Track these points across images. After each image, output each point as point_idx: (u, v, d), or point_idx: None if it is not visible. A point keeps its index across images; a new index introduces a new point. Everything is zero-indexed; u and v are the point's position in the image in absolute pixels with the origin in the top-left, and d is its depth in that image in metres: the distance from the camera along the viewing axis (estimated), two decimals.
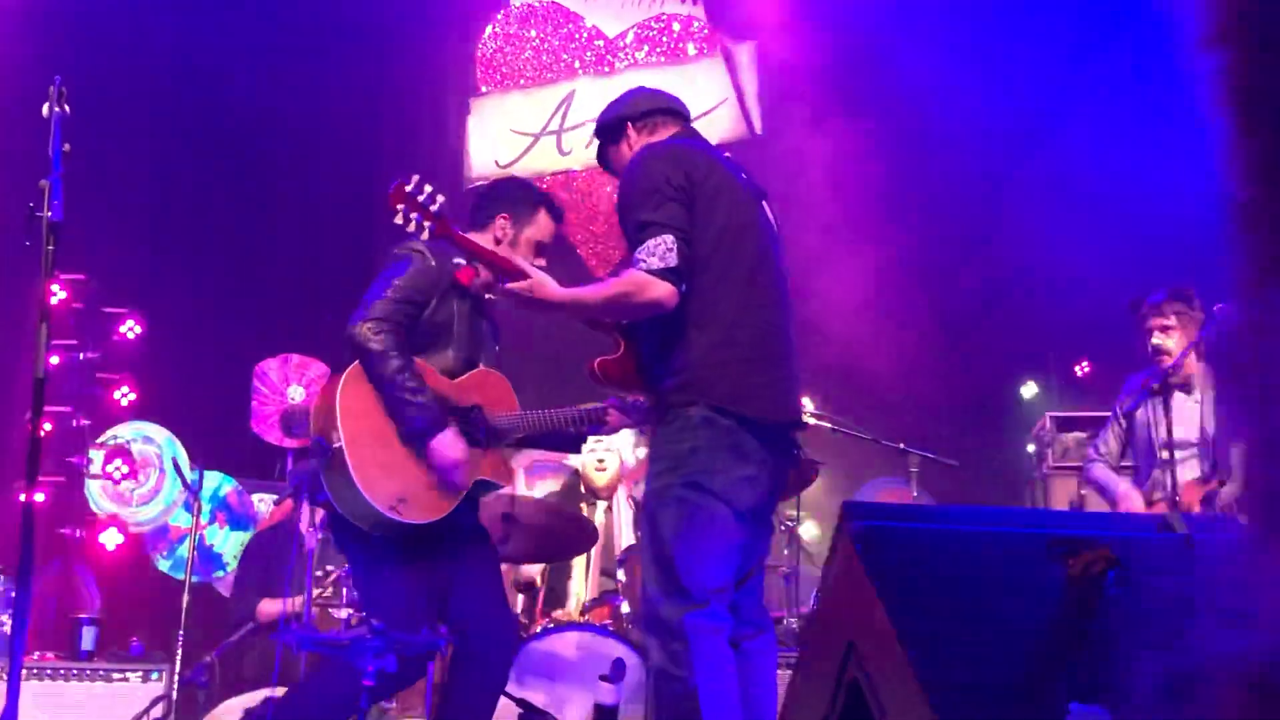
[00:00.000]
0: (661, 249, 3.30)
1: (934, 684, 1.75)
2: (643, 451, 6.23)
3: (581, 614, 5.50)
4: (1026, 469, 7.66)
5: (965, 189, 8.00)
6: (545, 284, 3.47)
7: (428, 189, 3.55)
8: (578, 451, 5.04)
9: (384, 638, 3.21)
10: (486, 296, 4.12)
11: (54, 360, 7.09)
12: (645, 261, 3.30)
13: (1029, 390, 8.69)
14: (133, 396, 7.84)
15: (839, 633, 2.10)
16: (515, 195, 4.25)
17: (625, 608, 5.34)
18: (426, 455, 3.84)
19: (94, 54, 7.54)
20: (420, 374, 3.88)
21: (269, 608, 5.69)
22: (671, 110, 3.77)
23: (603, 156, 3.85)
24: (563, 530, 5.23)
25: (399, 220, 3.54)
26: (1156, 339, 5.42)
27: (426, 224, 3.54)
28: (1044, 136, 8.30)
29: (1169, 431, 5.22)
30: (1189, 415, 5.42)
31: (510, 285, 3.45)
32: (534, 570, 5.79)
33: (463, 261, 4.00)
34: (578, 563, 5.80)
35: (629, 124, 3.71)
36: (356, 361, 3.87)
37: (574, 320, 3.67)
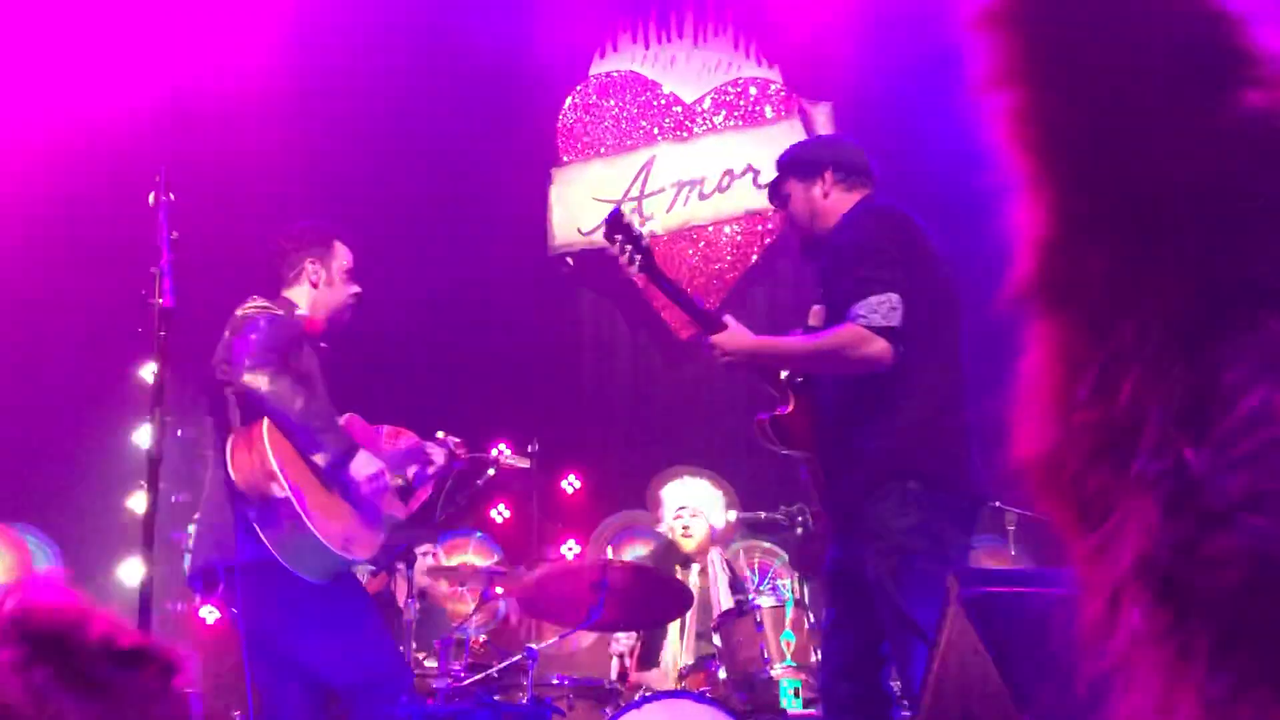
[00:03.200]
0: (885, 307, 3.26)
1: None
2: (733, 515, 6.22)
3: (679, 680, 5.48)
4: None
5: None
6: (742, 333, 3.48)
7: (638, 222, 3.69)
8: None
9: (492, 708, 3.23)
10: (320, 346, 4.18)
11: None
12: (866, 317, 3.26)
13: None
14: None
15: (954, 703, 2.08)
16: (309, 238, 4.30)
17: (723, 673, 5.31)
18: (346, 481, 3.82)
19: (194, 138, 7.78)
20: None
21: None
22: (869, 172, 3.73)
23: (779, 190, 3.77)
24: (656, 595, 5.24)
25: (614, 249, 3.63)
26: None
27: (637, 257, 3.61)
28: None
29: None
30: None
31: (713, 338, 3.47)
32: (624, 646, 5.79)
33: (304, 313, 4.09)
34: (672, 626, 5.80)
35: (830, 170, 3.66)
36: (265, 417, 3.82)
37: (745, 371, 3.64)
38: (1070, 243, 0.87)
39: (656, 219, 9.04)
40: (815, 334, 3.46)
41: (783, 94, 9.16)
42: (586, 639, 6.29)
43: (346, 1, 8.68)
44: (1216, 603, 0.75)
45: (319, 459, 3.78)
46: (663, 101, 9.24)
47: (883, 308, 3.26)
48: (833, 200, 3.64)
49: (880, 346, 3.25)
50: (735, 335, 3.46)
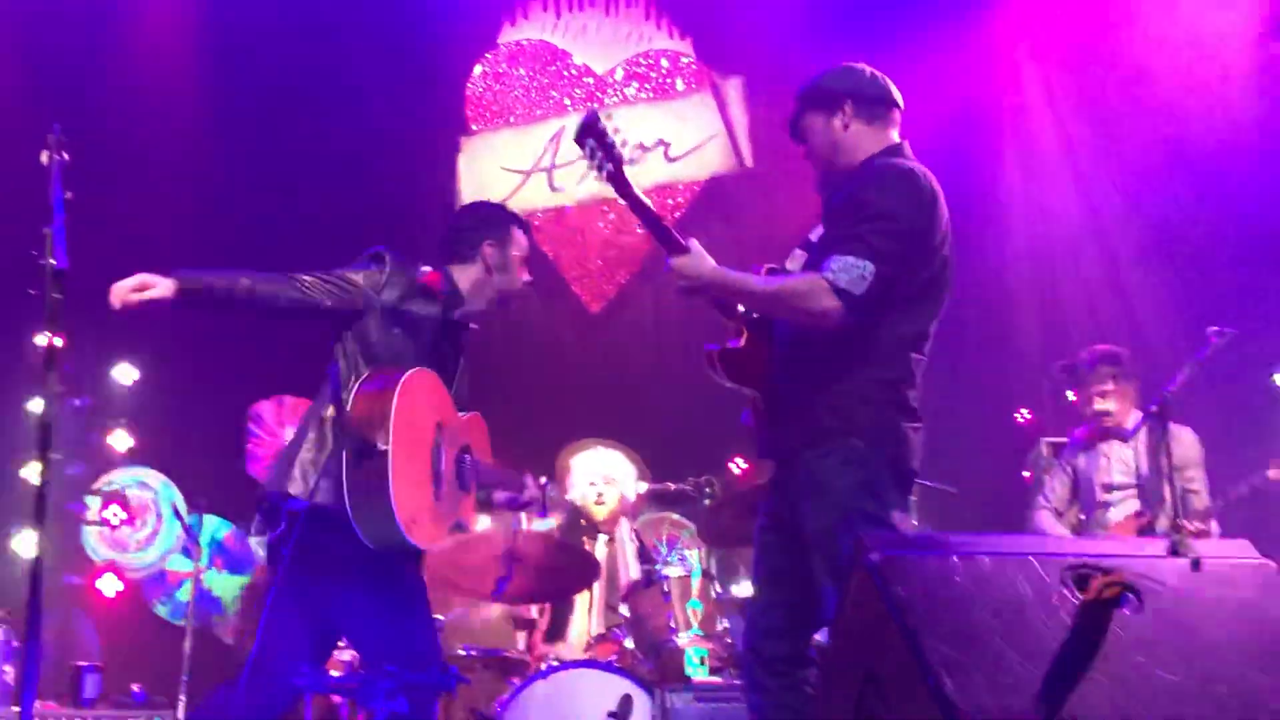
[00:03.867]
0: (857, 273, 3.19)
1: (955, 710, 1.76)
2: (643, 486, 6.22)
3: (586, 650, 5.48)
4: (1025, 495, 7.67)
5: (958, 221, 8.03)
6: (706, 260, 3.37)
7: (615, 131, 3.51)
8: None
9: (394, 678, 3.19)
10: (457, 314, 4.10)
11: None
12: (835, 274, 3.20)
13: (1023, 416, 8.71)
14: (129, 442, 7.82)
15: (856, 664, 2.10)
16: (492, 220, 4.23)
17: (630, 643, 5.32)
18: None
19: (92, 99, 7.57)
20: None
21: None
22: (893, 102, 3.57)
23: (798, 125, 3.62)
24: (565, 566, 5.22)
25: (584, 153, 3.42)
26: (1099, 405, 5.91)
27: (608, 165, 3.45)
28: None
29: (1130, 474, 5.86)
30: (1125, 459, 5.89)
31: (674, 261, 3.39)
32: (532, 607, 5.77)
33: (429, 268, 4.00)
34: (580, 598, 5.79)
35: (850, 102, 3.51)
36: (414, 371, 3.76)
37: (709, 302, 3.53)
38: None
39: (568, 190, 9.00)
40: (781, 275, 3.41)
41: (694, 67, 9.15)
42: (494, 611, 6.26)
43: None
44: None
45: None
46: (574, 72, 9.18)
47: (853, 271, 3.19)
48: (854, 133, 3.51)
49: (831, 305, 3.19)
50: (698, 261, 3.37)
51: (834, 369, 3.30)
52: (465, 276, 4.13)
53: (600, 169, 3.42)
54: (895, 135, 3.58)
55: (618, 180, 3.43)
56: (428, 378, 3.87)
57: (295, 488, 3.70)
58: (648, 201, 3.52)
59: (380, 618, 3.78)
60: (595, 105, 3.48)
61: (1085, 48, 8.28)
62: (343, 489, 3.59)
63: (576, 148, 3.47)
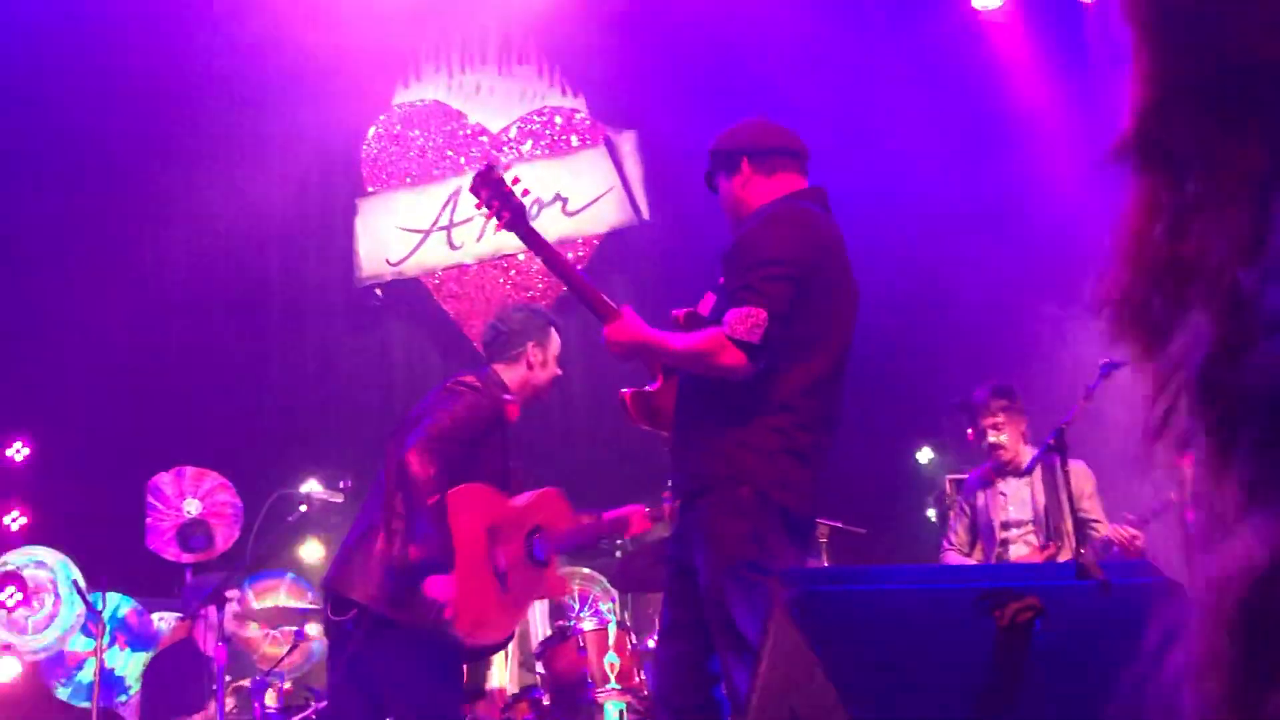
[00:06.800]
0: (750, 322, 3.23)
1: None
2: None
3: (504, 711, 5.42)
4: (930, 534, 7.77)
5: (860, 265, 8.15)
6: (633, 325, 3.43)
7: (515, 182, 3.57)
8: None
9: None
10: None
11: None
12: (731, 326, 3.24)
13: (925, 456, 8.85)
14: (23, 520, 7.61)
15: (781, 702, 2.11)
16: (533, 324, 4.57)
17: (547, 700, 5.27)
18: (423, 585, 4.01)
19: None
20: (443, 510, 4.01)
21: None
22: (791, 151, 3.63)
23: (711, 180, 3.71)
24: None
25: (477, 205, 3.54)
26: (991, 437, 5.92)
27: (505, 214, 3.50)
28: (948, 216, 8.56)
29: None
30: (1022, 495, 5.91)
31: (607, 330, 3.42)
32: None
33: (511, 396, 4.35)
34: (496, 657, 5.73)
35: (745, 159, 3.57)
36: (453, 494, 4.03)
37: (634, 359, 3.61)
38: (1162, 106, 0.98)
39: (467, 248, 9.00)
40: (689, 335, 3.43)
41: (588, 123, 9.23)
42: None
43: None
44: (1259, 401, 0.88)
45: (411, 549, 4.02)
46: (468, 131, 9.21)
47: (748, 322, 3.23)
48: (753, 188, 3.55)
49: (736, 358, 3.23)
50: (625, 327, 3.42)
51: (728, 415, 3.34)
52: (511, 375, 4.47)
53: (498, 217, 3.48)
54: (802, 181, 3.63)
55: (520, 228, 3.49)
56: (469, 494, 4.13)
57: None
58: (559, 253, 3.60)
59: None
60: (493, 160, 3.56)
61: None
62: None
63: (473, 199, 3.55)
